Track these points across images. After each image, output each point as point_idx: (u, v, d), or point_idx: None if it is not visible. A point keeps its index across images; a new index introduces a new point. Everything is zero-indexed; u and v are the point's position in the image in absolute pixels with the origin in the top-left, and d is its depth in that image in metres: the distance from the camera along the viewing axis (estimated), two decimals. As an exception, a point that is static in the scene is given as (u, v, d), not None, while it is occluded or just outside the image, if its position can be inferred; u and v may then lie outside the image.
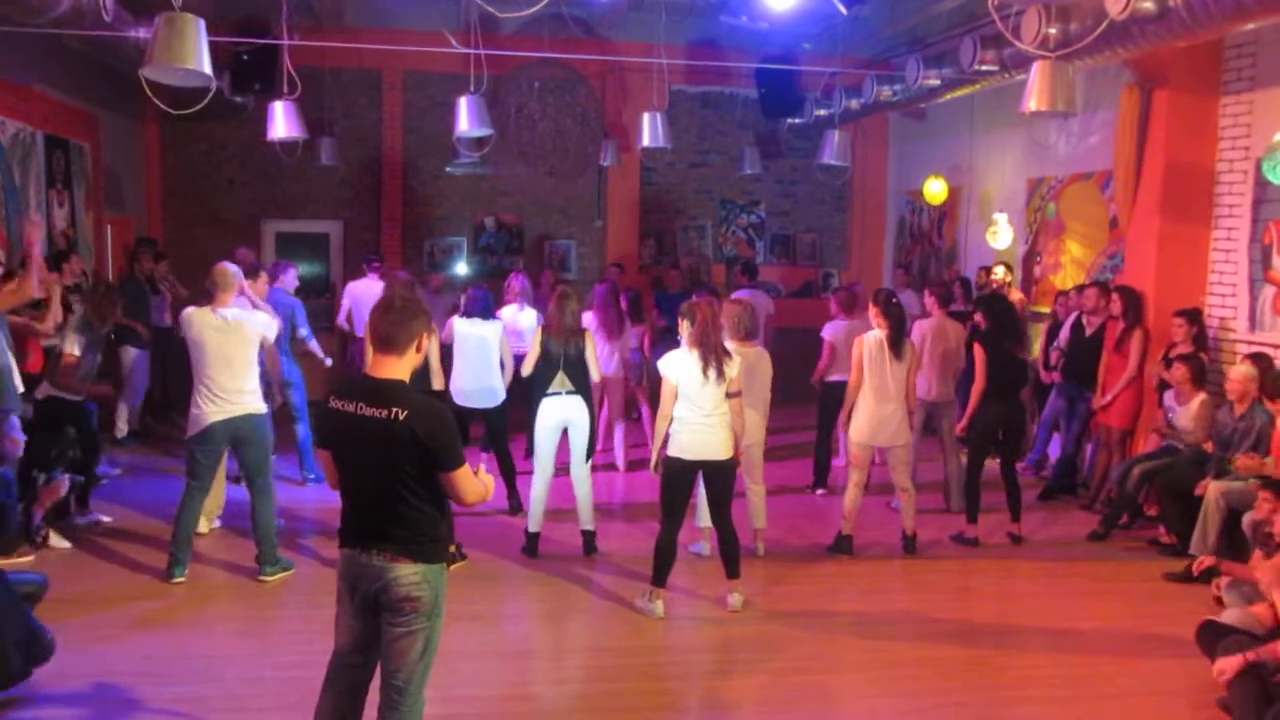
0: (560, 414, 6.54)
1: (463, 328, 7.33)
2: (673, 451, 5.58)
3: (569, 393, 6.52)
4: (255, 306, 6.54)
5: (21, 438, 5.98)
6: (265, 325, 6.05)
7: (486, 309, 7.41)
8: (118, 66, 8.35)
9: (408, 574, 3.33)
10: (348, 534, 3.45)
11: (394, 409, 3.25)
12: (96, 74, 9.29)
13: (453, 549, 6.28)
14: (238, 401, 5.87)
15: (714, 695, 4.94)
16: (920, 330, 7.63)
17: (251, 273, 7.22)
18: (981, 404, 6.99)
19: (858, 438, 6.76)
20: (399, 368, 3.38)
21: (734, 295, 8.68)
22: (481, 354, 7.33)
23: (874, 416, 6.66)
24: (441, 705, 4.22)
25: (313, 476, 8.10)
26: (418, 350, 3.41)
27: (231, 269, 6.11)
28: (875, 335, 6.68)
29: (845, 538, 6.81)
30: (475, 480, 3.41)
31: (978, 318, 7.52)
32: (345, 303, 9.77)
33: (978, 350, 7.05)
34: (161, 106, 6.33)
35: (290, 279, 8.25)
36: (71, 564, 6.23)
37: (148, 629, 5.34)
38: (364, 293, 9.38)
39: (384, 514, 3.34)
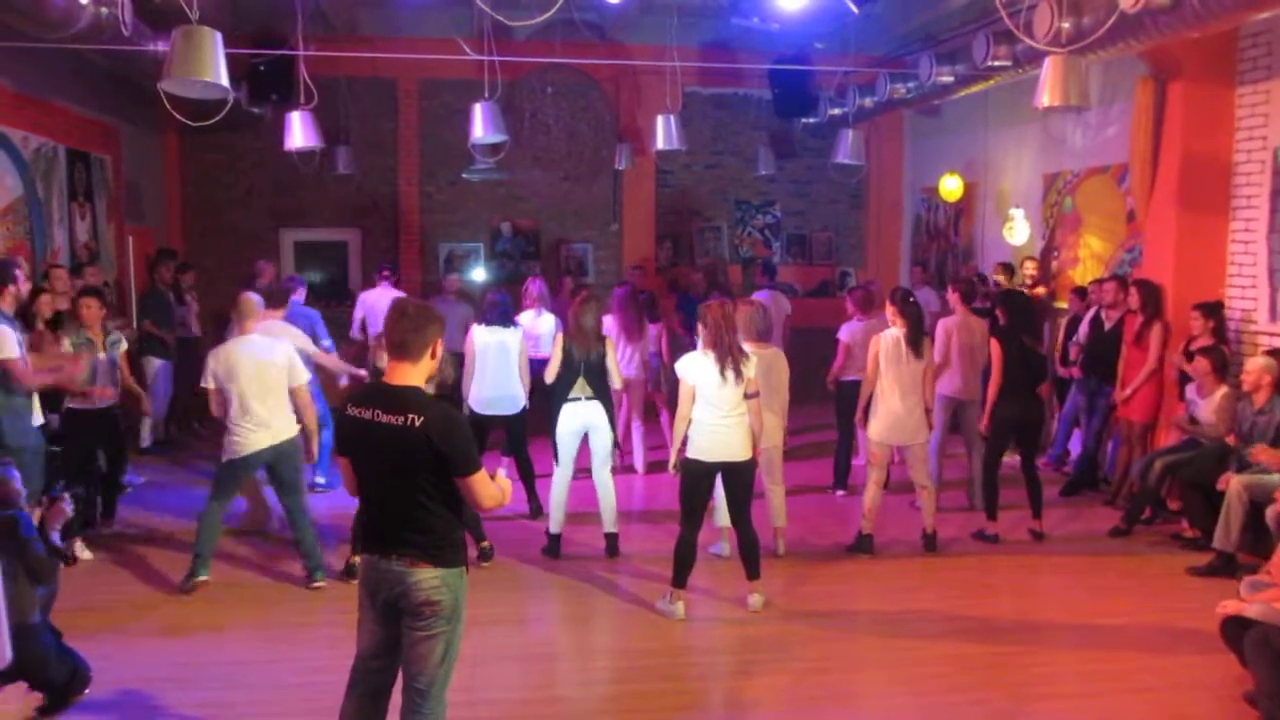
0: (581, 419, 6.57)
1: (482, 335, 7.29)
2: (691, 453, 5.60)
3: (589, 398, 6.56)
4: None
5: (21, 489, 5.77)
6: (290, 354, 6.09)
7: (505, 315, 7.35)
8: (137, 80, 8.44)
9: (427, 578, 3.36)
10: (367, 540, 3.48)
11: (410, 415, 3.29)
12: (116, 88, 9.39)
13: (485, 545, 6.42)
14: (277, 426, 5.96)
15: (736, 696, 4.95)
16: (945, 327, 7.60)
17: (280, 298, 7.43)
18: (999, 400, 6.97)
19: (876, 436, 6.75)
20: (414, 374, 3.41)
21: (752, 296, 8.68)
22: (502, 361, 7.28)
23: (892, 415, 6.64)
24: (464, 708, 4.26)
25: (322, 481, 8.10)
26: (433, 356, 3.45)
27: (254, 298, 6.22)
28: (892, 334, 6.67)
29: (866, 537, 6.80)
30: (492, 485, 3.43)
31: (997, 313, 7.49)
32: (358, 312, 9.85)
33: (994, 345, 7.04)
34: (180, 119, 6.40)
35: (301, 293, 8.36)
36: (97, 572, 6.32)
37: (174, 636, 5.40)
38: (376, 302, 9.44)
39: (402, 519, 3.37)
